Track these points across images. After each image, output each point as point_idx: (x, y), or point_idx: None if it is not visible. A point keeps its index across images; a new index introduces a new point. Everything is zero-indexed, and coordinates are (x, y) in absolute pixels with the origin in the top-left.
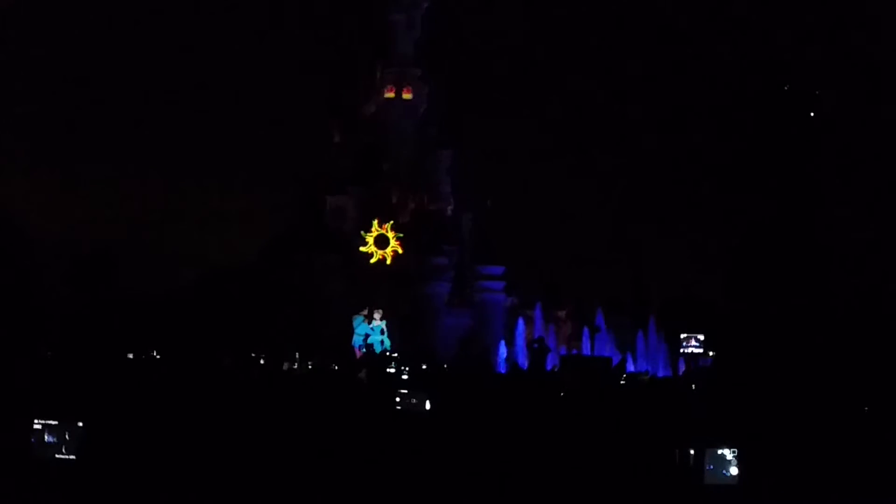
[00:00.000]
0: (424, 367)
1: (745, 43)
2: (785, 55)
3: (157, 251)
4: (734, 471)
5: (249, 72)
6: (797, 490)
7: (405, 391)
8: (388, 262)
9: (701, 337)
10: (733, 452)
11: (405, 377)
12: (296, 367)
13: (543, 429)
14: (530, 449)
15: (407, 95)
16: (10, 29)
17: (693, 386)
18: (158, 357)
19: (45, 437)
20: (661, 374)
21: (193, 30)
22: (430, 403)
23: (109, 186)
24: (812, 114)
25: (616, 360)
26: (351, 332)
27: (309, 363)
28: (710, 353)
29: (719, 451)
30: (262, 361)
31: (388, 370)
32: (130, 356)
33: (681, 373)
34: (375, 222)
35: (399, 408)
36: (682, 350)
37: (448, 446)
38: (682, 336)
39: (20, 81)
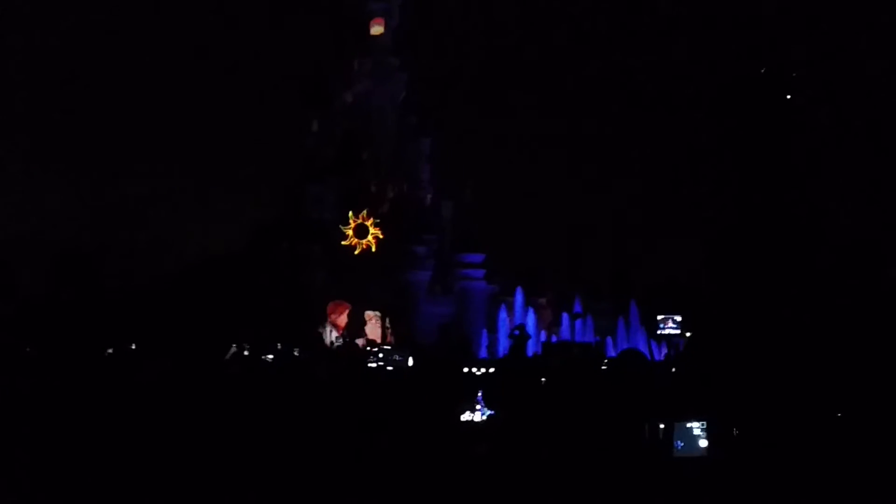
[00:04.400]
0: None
1: (726, 31)
2: (764, 43)
3: (137, 243)
4: (703, 444)
5: (228, 60)
6: (766, 463)
7: (388, 348)
8: (373, 249)
9: (678, 318)
10: (702, 426)
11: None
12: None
13: (522, 411)
14: (509, 430)
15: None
16: None
17: (672, 368)
18: (137, 351)
19: None
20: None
21: (168, 19)
22: (413, 360)
23: (86, 179)
24: (789, 96)
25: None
26: (325, 320)
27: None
28: (687, 334)
29: (688, 425)
30: (245, 352)
31: (368, 365)
32: (110, 351)
33: (658, 356)
34: (351, 214)
35: (383, 364)
36: (658, 331)
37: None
38: (660, 317)
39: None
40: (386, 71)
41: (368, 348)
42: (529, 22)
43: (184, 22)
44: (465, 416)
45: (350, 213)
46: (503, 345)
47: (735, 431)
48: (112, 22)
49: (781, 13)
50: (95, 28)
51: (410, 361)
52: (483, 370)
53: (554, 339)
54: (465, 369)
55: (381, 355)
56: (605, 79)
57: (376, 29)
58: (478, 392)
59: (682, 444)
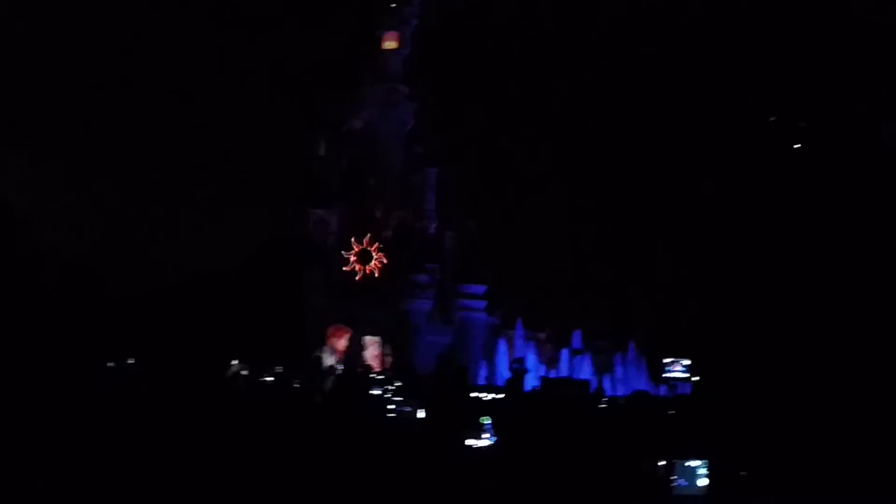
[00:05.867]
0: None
1: (732, 77)
2: (771, 88)
3: (143, 260)
4: (703, 483)
5: (239, 84)
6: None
7: (400, 399)
8: (376, 275)
9: (686, 362)
10: (703, 465)
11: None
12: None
13: (528, 443)
14: (509, 464)
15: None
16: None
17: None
18: (135, 365)
19: None
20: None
21: (188, 42)
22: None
23: (91, 196)
24: (795, 146)
25: (594, 382)
26: (324, 344)
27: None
28: (693, 378)
29: (688, 464)
30: (244, 372)
31: (371, 392)
32: (111, 364)
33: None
34: (354, 239)
35: (392, 415)
36: (664, 374)
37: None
38: (666, 360)
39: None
40: (395, 99)
41: (370, 376)
42: (540, 56)
43: (199, 40)
44: (471, 441)
45: (353, 239)
46: (501, 377)
47: (737, 471)
48: (130, 40)
49: (790, 63)
50: (108, 44)
51: (420, 413)
52: (491, 396)
53: (552, 374)
54: (473, 394)
55: (391, 406)
56: (614, 116)
57: (389, 44)
58: (485, 418)
59: (683, 481)
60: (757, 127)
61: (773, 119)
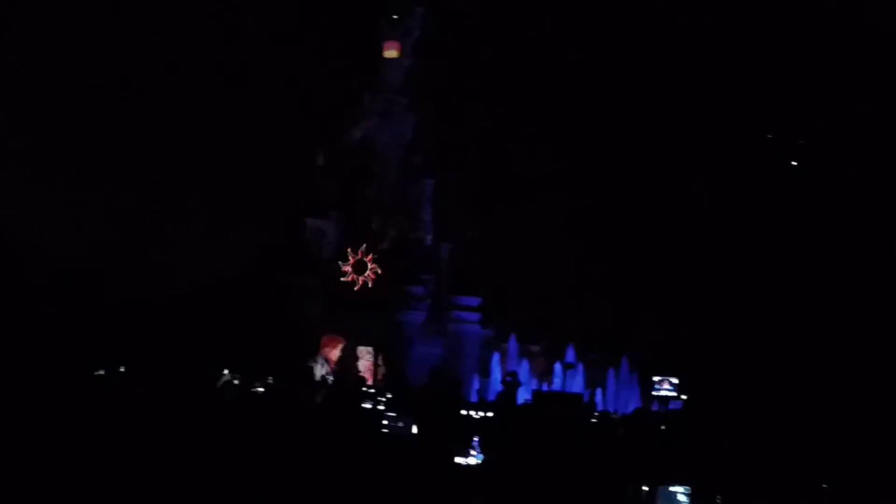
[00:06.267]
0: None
1: (733, 86)
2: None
3: (138, 267)
4: None
5: (237, 91)
6: None
7: (393, 415)
8: (370, 286)
9: (675, 380)
10: (686, 491)
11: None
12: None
13: (515, 460)
14: (504, 482)
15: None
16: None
17: (662, 426)
18: (126, 373)
19: None
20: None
21: (188, 50)
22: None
23: (91, 201)
24: (795, 163)
25: (586, 396)
26: (318, 353)
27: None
28: (682, 397)
29: (671, 489)
30: (235, 382)
31: (363, 405)
32: (101, 372)
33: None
34: (350, 250)
35: (386, 431)
36: (654, 392)
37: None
38: (656, 379)
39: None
40: (394, 110)
41: (363, 388)
42: (539, 66)
43: (199, 49)
44: (460, 460)
45: (349, 249)
46: (494, 390)
47: (718, 499)
48: (131, 46)
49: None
50: (110, 46)
51: (415, 429)
52: (481, 414)
53: (545, 387)
54: (464, 412)
55: (384, 420)
56: (613, 129)
57: (390, 52)
58: (474, 436)
59: None
60: (756, 136)
61: (769, 136)
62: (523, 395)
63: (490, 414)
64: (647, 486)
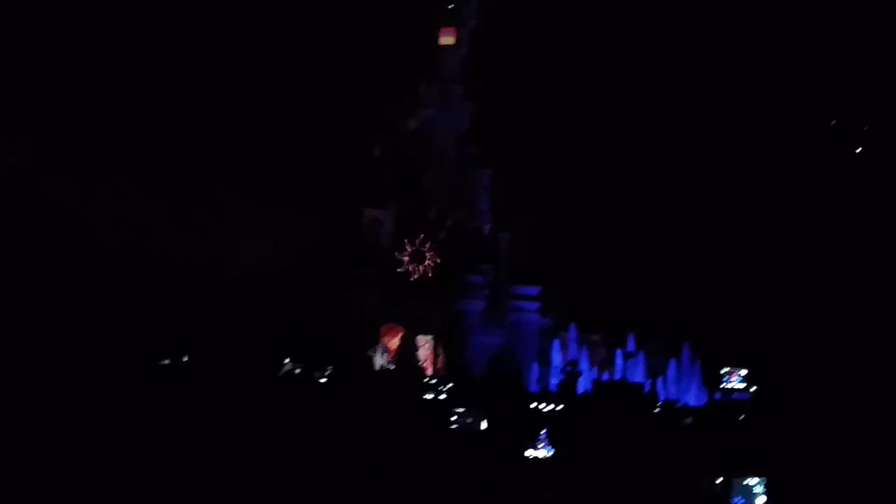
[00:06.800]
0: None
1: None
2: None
3: (196, 258)
4: (761, 501)
5: (293, 81)
6: None
7: (462, 410)
8: (429, 275)
9: (743, 372)
10: (761, 482)
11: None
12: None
13: (585, 454)
14: (574, 476)
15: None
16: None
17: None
18: (190, 363)
19: None
20: (692, 403)
21: (240, 39)
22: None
23: (148, 191)
24: (856, 150)
25: (647, 386)
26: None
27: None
28: (752, 389)
29: (746, 481)
30: (297, 371)
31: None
32: (166, 362)
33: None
34: (407, 239)
35: (455, 426)
36: (722, 385)
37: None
38: (724, 370)
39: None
40: (451, 99)
41: (424, 378)
42: (601, 54)
43: (256, 36)
44: (530, 453)
45: (406, 239)
46: (554, 379)
47: (795, 489)
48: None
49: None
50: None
51: (484, 424)
52: (550, 406)
53: (605, 376)
54: (531, 405)
55: (453, 417)
56: (669, 115)
57: (446, 39)
58: (542, 429)
59: (742, 499)
60: (815, 127)
61: (833, 122)
62: (584, 385)
63: (558, 407)
64: (721, 477)
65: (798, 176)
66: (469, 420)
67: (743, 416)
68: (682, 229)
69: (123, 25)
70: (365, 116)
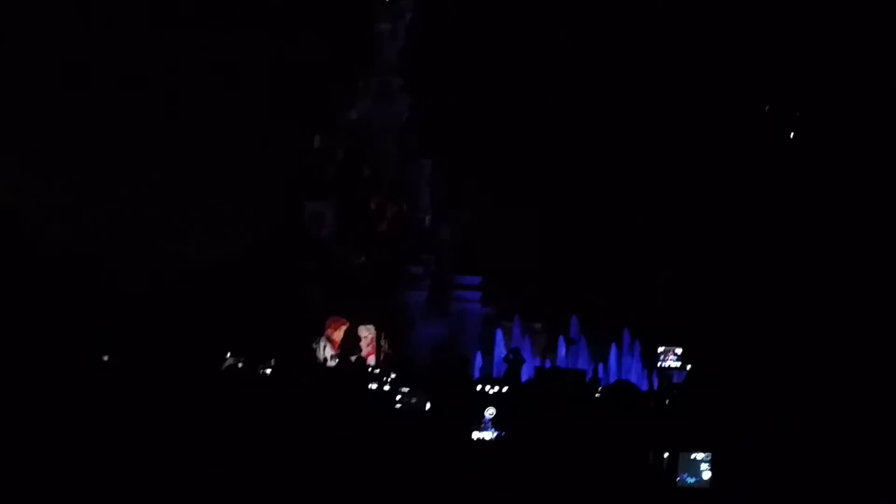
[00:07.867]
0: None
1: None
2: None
3: (135, 253)
4: (707, 475)
5: (230, 74)
6: (770, 495)
7: (406, 389)
8: (370, 267)
9: (679, 351)
10: (707, 457)
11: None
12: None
13: (521, 436)
14: (510, 456)
15: None
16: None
17: (667, 400)
18: (130, 359)
19: None
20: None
21: (180, 37)
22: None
23: (86, 186)
24: (792, 135)
25: (590, 371)
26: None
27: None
28: (688, 367)
29: (692, 456)
30: (239, 365)
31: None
32: (105, 358)
33: (655, 386)
34: (348, 232)
35: (399, 406)
36: (659, 364)
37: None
38: (660, 350)
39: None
40: (390, 91)
41: (370, 370)
42: (541, 44)
43: (189, 31)
44: (476, 435)
45: (348, 231)
46: (498, 368)
47: (741, 464)
48: (123, 30)
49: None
50: (107, 42)
51: (428, 405)
52: (496, 389)
53: (548, 363)
54: (479, 387)
55: (397, 396)
56: (617, 105)
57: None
58: (486, 411)
59: (687, 475)
60: (757, 111)
61: (768, 108)
62: (527, 373)
63: (504, 389)
64: (666, 452)
65: (731, 159)
66: (413, 400)
67: (681, 393)
68: (623, 216)
69: (51, 16)
70: (304, 110)
